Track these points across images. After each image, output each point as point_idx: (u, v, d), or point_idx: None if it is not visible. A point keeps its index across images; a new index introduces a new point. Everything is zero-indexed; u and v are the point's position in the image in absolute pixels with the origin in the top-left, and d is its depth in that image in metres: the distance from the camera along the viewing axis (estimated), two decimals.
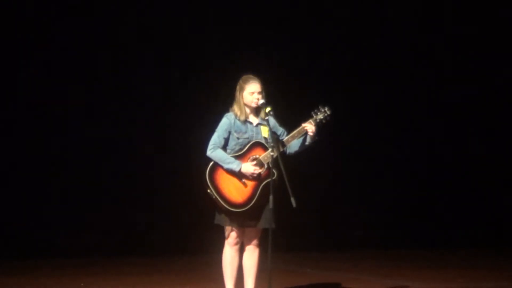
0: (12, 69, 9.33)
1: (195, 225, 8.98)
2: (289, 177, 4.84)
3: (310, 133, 5.23)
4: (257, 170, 5.09)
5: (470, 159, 10.77)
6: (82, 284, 6.79)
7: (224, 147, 5.21)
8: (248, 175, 5.09)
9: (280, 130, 5.34)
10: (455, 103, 10.76)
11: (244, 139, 5.21)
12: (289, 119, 5.38)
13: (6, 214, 9.08)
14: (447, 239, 10.28)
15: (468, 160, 10.75)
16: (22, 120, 9.34)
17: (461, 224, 10.41)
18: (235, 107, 5.27)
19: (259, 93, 5.20)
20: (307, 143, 5.29)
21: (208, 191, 5.06)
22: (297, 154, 5.34)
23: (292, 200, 4.75)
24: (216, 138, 5.21)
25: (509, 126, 10.69)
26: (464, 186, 10.66)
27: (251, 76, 5.27)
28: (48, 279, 7.16)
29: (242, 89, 5.24)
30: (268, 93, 5.27)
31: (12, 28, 9.26)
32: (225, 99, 5.44)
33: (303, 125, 5.25)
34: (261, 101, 5.18)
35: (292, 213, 5.09)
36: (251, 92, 5.20)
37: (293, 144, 5.31)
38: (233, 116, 5.25)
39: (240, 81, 5.27)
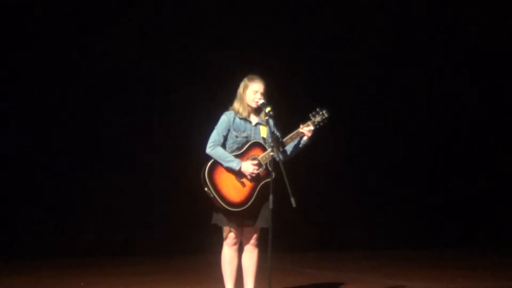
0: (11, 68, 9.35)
1: (195, 225, 8.99)
2: (289, 177, 4.83)
3: (306, 137, 5.23)
4: (257, 170, 5.09)
5: (470, 159, 10.78)
6: (82, 284, 6.79)
7: (223, 145, 5.21)
8: (247, 174, 5.09)
9: (276, 133, 5.33)
10: (454, 104, 10.79)
11: (242, 137, 5.21)
12: (289, 120, 5.38)
13: (6, 215, 9.09)
14: (447, 239, 10.30)
15: (467, 160, 10.77)
16: (21, 120, 9.35)
17: (461, 224, 10.42)
18: (237, 104, 5.26)
19: (262, 93, 5.21)
20: (301, 145, 5.29)
21: (206, 189, 5.05)
22: (289, 159, 5.32)
23: (292, 200, 4.75)
24: (216, 135, 5.20)
25: (509, 127, 10.71)
26: (463, 186, 10.67)
27: (256, 75, 5.27)
28: (48, 279, 7.17)
29: (246, 87, 5.24)
30: (270, 94, 5.26)
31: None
32: (225, 98, 5.44)
33: (301, 127, 5.25)
34: (261, 101, 5.18)
35: (292, 213, 5.10)
36: (254, 91, 5.20)
37: (287, 148, 5.29)
38: (232, 114, 5.25)
39: (245, 79, 5.27)
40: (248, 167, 5.09)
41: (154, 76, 9.70)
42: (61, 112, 9.48)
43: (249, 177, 5.10)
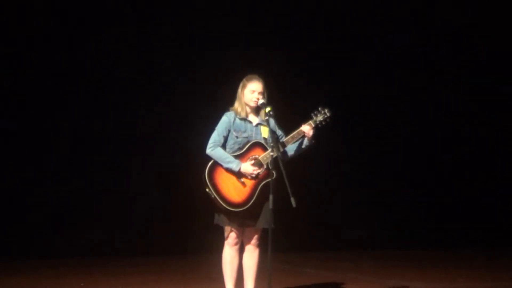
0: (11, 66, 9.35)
1: (195, 225, 8.98)
2: (289, 177, 4.83)
3: (308, 136, 5.24)
4: (256, 171, 5.10)
5: (470, 159, 10.77)
6: (82, 284, 6.79)
7: (224, 146, 5.22)
8: (247, 175, 5.10)
9: (279, 132, 5.35)
10: (455, 104, 10.79)
11: (243, 138, 5.22)
12: (290, 120, 5.39)
13: (6, 214, 9.08)
14: (447, 239, 10.29)
15: (467, 160, 10.76)
16: (22, 119, 9.34)
17: (461, 224, 10.41)
18: (236, 104, 5.29)
19: (260, 93, 5.22)
20: (303, 146, 5.31)
21: (207, 190, 5.06)
22: (292, 158, 5.35)
23: (292, 200, 4.75)
24: (216, 136, 5.21)
25: (509, 127, 10.71)
26: (463, 186, 10.66)
27: (255, 75, 5.30)
28: (48, 279, 7.16)
29: (244, 87, 5.27)
30: (269, 93, 5.27)
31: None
32: (225, 98, 5.45)
33: (303, 126, 5.26)
34: (261, 101, 5.20)
35: (292, 213, 5.09)
36: (252, 90, 5.22)
37: (289, 148, 5.32)
38: (233, 115, 5.26)
39: (244, 79, 5.30)
40: (248, 168, 5.10)
41: (154, 76, 9.69)
42: (60, 113, 9.46)
43: (249, 177, 5.11)
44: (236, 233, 5.20)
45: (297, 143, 5.31)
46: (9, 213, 9.11)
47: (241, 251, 5.29)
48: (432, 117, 10.80)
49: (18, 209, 9.21)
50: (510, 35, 10.47)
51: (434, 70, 10.78)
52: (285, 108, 5.45)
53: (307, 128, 5.25)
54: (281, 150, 5.22)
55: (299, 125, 5.27)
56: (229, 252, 5.24)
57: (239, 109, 5.26)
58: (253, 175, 5.10)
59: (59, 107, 9.46)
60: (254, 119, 5.30)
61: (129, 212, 9.54)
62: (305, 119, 5.29)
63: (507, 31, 10.45)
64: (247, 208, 5.08)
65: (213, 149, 5.17)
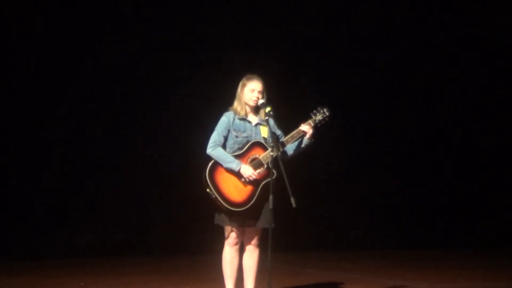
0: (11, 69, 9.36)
1: (195, 225, 8.98)
2: (289, 177, 4.83)
3: (308, 135, 5.25)
4: (255, 175, 5.08)
5: (470, 159, 10.77)
6: (82, 284, 6.79)
7: (224, 146, 5.22)
8: (245, 177, 5.09)
9: (278, 132, 5.35)
10: (455, 105, 10.79)
11: (243, 138, 5.22)
12: (290, 120, 5.39)
13: (6, 215, 9.09)
14: (447, 239, 10.29)
15: (467, 160, 10.76)
16: (22, 120, 9.35)
17: (461, 224, 10.41)
18: (236, 104, 5.29)
19: (260, 92, 5.22)
20: (303, 145, 5.31)
21: (208, 190, 5.05)
22: (292, 157, 5.35)
23: (292, 200, 4.75)
24: (216, 136, 5.22)
25: (509, 128, 10.71)
26: (463, 186, 10.66)
27: (255, 75, 5.31)
28: (48, 279, 7.16)
29: (243, 86, 5.27)
30: (269, 93, 5.28)
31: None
32: (225, 98, 5.45)
33: (302, 126, 5.27)
34: (261, 101, 5.20)
35: (292, 213, 5.09)
36: (251, 89, 5.22)
37: (289, 147, 5.32)
38: (232, 115, 5.26)
39: (244, 78, 5.31)
40: (247, 170, 5.09)
41: (154, 76, 9.69)
42: (61, 113, 9.47)
43: (247, 179, 5.11)
44: (236, 233, 5.19)
45: (296, 143, 5.32)
46: (9, 213, 9.12)
47: (241, 251, 5.29)
48: (433, 118, 10.80)
49: (18, 209, 9.21)
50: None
51: (435, 70, 10.78)
52: (285, 108, 5.45)
53: (306, 128, 5.27)
54: (281, 149, 5.22)
55: (298, 125, 5.28)
56: (229, 252, 5.24)
57: (239, 109, 5.26)
58: (251, 178, 5.09)
59: (59, 107, 9.47)
60: (253, 118, 5.30)
61: (129, 212, 9.54)
62: (305, 119, 5.29)
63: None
64: (248, 207, 5.08)
65: (213, 149, 5.17)
